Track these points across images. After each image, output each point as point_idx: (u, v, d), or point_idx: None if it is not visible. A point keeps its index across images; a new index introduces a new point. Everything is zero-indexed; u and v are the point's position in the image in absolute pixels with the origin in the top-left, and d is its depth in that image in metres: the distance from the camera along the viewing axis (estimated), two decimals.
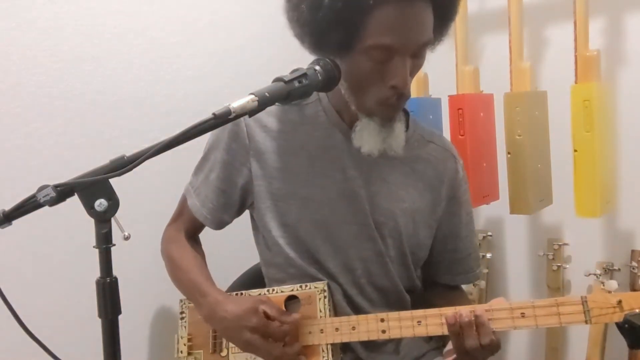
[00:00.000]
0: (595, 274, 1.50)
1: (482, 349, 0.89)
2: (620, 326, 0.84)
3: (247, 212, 1.13)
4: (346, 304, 1.05)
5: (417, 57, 0.93)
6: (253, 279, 1.24)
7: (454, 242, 1.15)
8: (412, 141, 1.08)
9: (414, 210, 1.07)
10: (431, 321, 0.93)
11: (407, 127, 1.08)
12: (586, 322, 0.86)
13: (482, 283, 1.72)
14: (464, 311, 0.90)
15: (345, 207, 1.04)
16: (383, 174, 1.05)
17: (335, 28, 0.88)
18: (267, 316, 0.94)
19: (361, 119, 0.98)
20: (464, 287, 1.23)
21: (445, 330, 0.92)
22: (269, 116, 1.05)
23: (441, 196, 1.11)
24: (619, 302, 0.85)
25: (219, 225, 1.11)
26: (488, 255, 1.73)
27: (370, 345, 1.07)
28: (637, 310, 0.83)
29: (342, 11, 0.86)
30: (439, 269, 1.17)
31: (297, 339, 0.97)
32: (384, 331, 0.95)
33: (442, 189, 1.10)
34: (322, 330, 0.97)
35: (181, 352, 1.07)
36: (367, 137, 0.98)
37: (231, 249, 1.45)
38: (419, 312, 0.95)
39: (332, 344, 0.97)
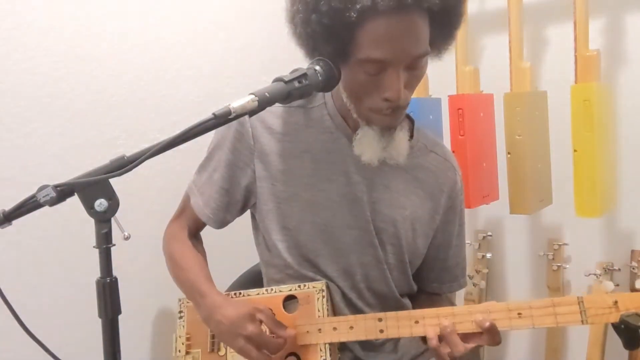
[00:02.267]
0: (595, 274, 1.50)
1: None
2: (616, 327, 0.84)
3: (247, 212, 1.14)
4: (345, 305, 1.05)
5: (413, 68, 0.90)
6: (253, 279, 1.24)
7: (445, 251, 1.15)
8: (415, 150, 1.08)
9: (414, 218, 1.07)
10: (429, 321, 0.93)
11: (411, 135, 1.07)
12: (582, 322, 0.86)
13: (482, 283, 1.72)
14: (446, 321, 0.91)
15: (347, 211, 1.03)
16: (386, 181, 1.05)
17: (326, 42, 0.88)
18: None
19: (362, 126, 0.98)
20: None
21: None
22: (275, 118, 1.05)
23: (440, 205, 1.11)
24: (615, 302, 0.85)
25: (221, 224, 1.11)
26: (488, 255, 1.73)
27: (369, 345, 1.07)
28: (633, 311, 0.83)
29: (329, 27, 0.85)
30: (428, 277, 1.17)
31: (292, 349, 0.97)
32: (381, 330, 0.95)
33: (442, 198, 1.10)
34: (320, 329, 0.97)
35: (179, 351, 1.07)
36: (366, 145, 0.98)
37: (231, 249, 1.45)
38: (417, 312, 0.95)
39: (330, 344, 0.97)
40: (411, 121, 1.10)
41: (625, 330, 0.82)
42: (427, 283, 1.17)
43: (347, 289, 1.05)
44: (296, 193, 1.04)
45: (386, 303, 1.08)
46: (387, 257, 1.06)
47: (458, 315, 0.92)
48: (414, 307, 1.15)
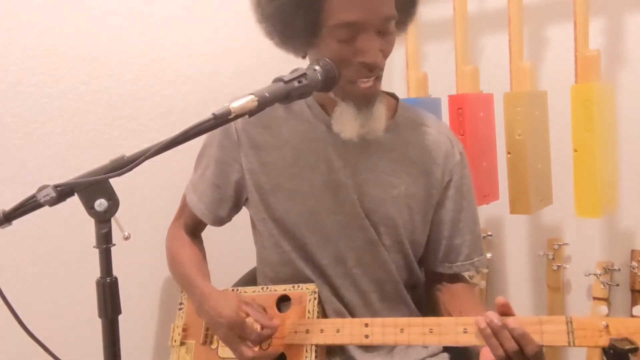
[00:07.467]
0: (595, 274, 1.50)
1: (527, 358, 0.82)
2: (605, 352, 0.79)
3: (246, 214, 1.14)
4: (336, 299, 1.05)
5: (384, 34, 0.92)
6: (253, 280, 1.24)
7: (448, 229, 1.10)
8: (402, 126, 1.07)
9: (408, 196, 1.05)
10: (414, 330, 0.91)
11: (395, 112, 1.08)
12: (569, 343, 0.81)
13: (482, 283, 1.72)
14: (492, 315, 0.83)
15: (331, 198, 1.04)
16: (371, 162, 1.05)
17: (297, 14, 0.89)
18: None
19: (339, 104, 0.98)
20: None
21: (426, 341, 0.90)
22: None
23: (437, 180, 1.07)
24: (607, 326, 0.80)
25: (216, 220, 1.12)
26: (488, 255, 1.73)
27: (365, 347, 1.06)
28: (624, 336, 0.78)
29: None
30: (436, 257, 1.12)
31: (278, 345, 0.97)
32: (367, 336, 0.94)
33: (437, 172, 1.07)
34: (307, 330, 0.98)
35: (175, 340, 1.09)
36: (345, 122, 0.98)
37: (231, 249, 1.45)
38: (403, 320, 0.93)
39: (317, 346, 0.97)
40: (395, 99, 1.10)
41: (614, 356, 0.77)
42: (437, 263, 1.13)
43: (339, 277, 1.05)
44: (280, 184, 1.05)
45: (384, 290, 1.07)
46: (382, 239, 1.05)
47: (444, 325, 0.90)
48: (432, 292, 1.14)
